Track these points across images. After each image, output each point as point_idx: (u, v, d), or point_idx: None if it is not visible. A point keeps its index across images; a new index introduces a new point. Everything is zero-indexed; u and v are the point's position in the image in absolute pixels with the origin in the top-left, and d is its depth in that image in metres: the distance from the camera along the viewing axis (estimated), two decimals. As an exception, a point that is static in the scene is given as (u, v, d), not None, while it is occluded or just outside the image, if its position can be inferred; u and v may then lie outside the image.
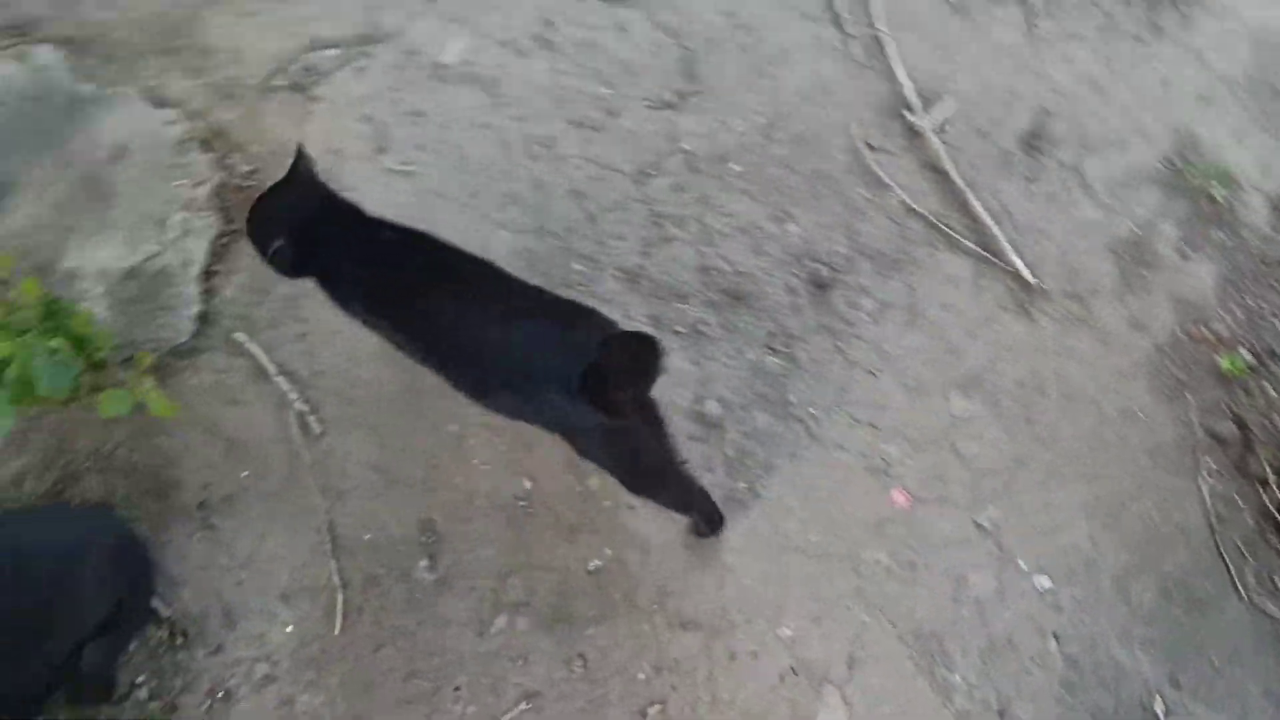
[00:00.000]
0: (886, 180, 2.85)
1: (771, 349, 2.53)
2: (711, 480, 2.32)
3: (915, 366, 2.62)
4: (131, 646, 2.06)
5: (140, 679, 2.06)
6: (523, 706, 2.10)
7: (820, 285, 2.65)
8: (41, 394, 1.97)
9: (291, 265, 1.88)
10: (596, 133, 2.58)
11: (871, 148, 2.86)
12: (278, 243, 1.84)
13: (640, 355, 1.75)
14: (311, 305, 2.39)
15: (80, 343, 2.09)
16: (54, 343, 2.00)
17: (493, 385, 1.86)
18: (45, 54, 2.62)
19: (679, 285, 2.57)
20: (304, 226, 1.87)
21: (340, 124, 2.57)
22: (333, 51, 2.60)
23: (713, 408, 2.42)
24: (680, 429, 2.35)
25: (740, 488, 2.37)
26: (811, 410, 2.48)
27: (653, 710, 2.13)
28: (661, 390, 1.85)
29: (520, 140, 2.55)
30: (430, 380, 1.96)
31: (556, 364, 1.72)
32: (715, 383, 2.46)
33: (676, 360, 2.44)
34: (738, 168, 2.75)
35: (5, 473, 2.20)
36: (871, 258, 2.75)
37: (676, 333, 2.49)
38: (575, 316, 1.83)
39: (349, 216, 1.94)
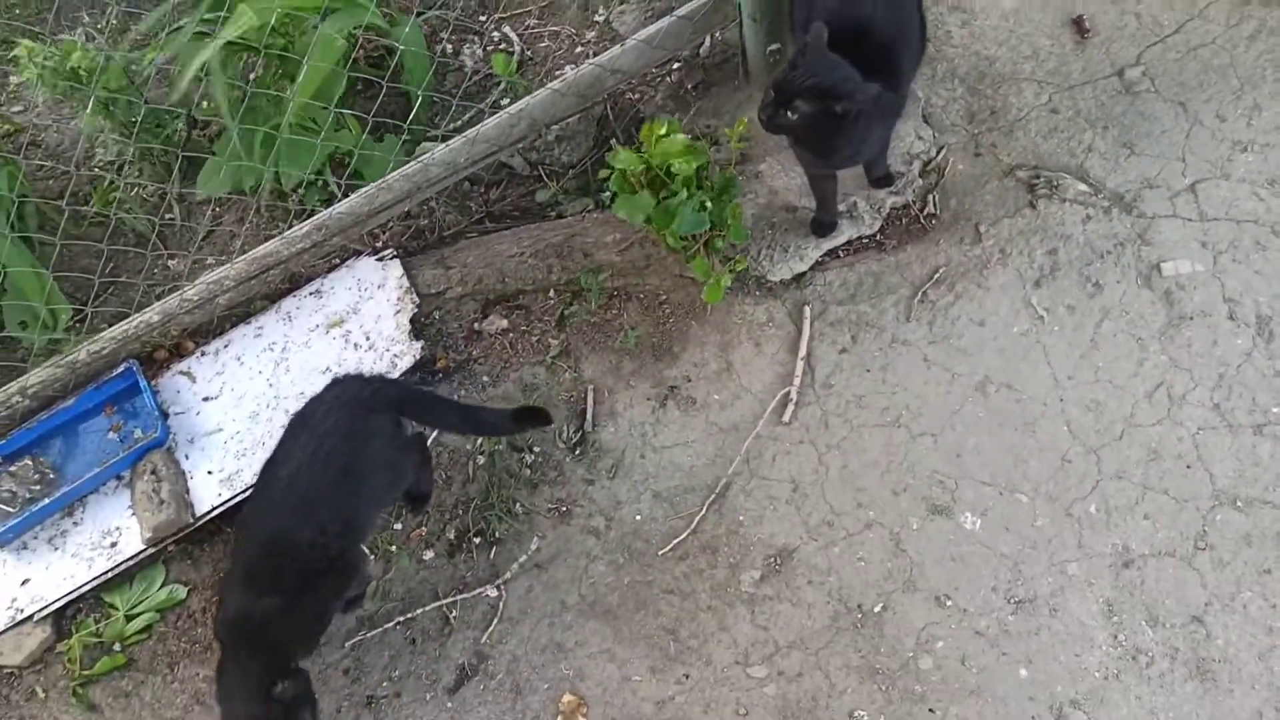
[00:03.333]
0: None
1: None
2: None
3: None
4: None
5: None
6: None
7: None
8: (670, 226, 2.37)
9: None
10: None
11: None
12: None
13: None
14: (899, 368, 2.56)
15: (720, 219, 2.46)
16: (708, 203, 2.39)
17: None
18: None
19: None
20: None
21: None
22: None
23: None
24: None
25: None
26: None
27: None
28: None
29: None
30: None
31: None
32: None
33: None
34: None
35: (597, 257, 2.70)
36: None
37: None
38: None
39: None
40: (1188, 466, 2.33)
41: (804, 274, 2.68)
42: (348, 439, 2.07)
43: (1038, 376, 2.48)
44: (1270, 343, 2.41)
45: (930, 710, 2.18)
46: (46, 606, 2.35)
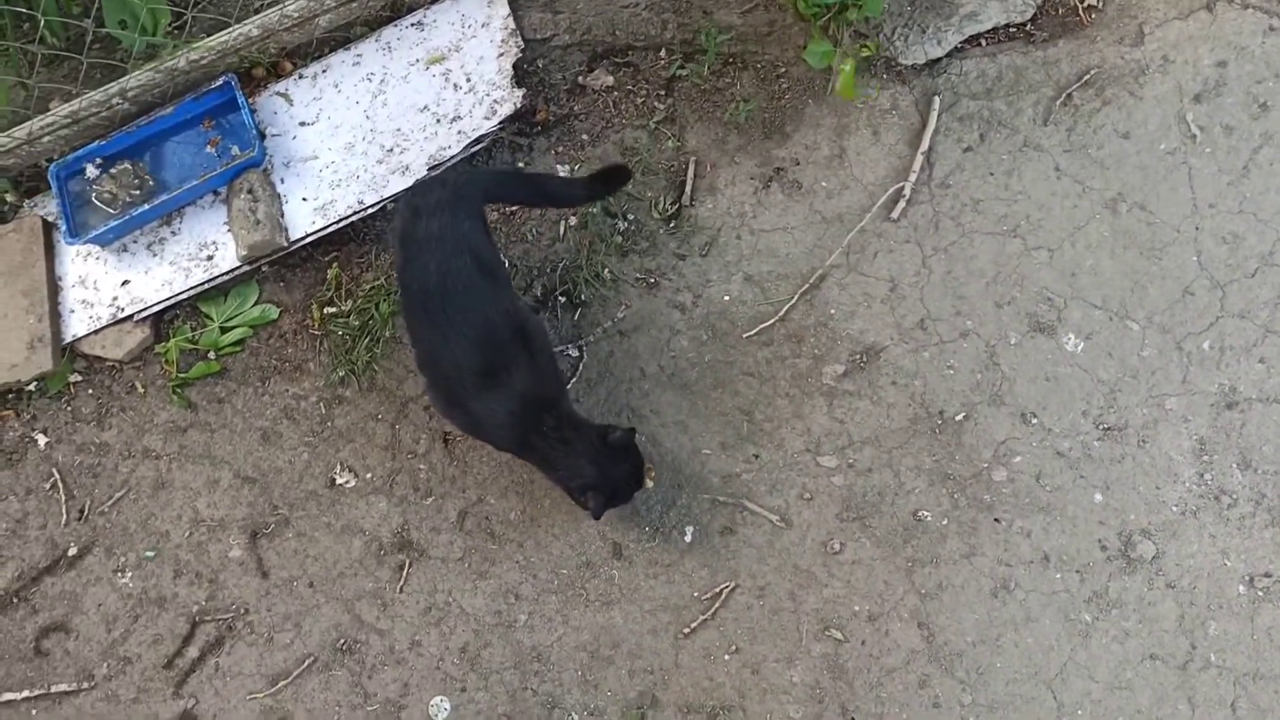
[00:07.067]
0: None
1: None
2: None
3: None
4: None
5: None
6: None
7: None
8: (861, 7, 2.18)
9: None
10: None
11: None
12: None
13: None
14: (1026, 174, 2.38)
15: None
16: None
17: None
18: None
19: None
20: None
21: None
22: None
23: None
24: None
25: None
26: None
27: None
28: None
29: None
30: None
31: None
32: None
33: None
34: None
35: (717, 17, 2.51)
36: None
37: None
38: None
39: None
40: (1321, 315, 2.19)
41: (939, 60, 2.46)
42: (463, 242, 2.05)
43: (1176, 200, 2.29)
44: None
45: (996, 520, 2.19)
46: (146, 308, 2.42)
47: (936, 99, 2.43)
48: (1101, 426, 2.21)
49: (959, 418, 2.25)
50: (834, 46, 2.35)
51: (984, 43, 2.47)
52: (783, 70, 2.52)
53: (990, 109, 2.42)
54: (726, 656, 2.14)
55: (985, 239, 2.35)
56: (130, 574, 2.27)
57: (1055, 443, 2.22)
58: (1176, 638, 2.10)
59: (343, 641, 2.18)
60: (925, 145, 2.41)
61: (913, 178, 2.39)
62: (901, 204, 2.38)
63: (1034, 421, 2.23)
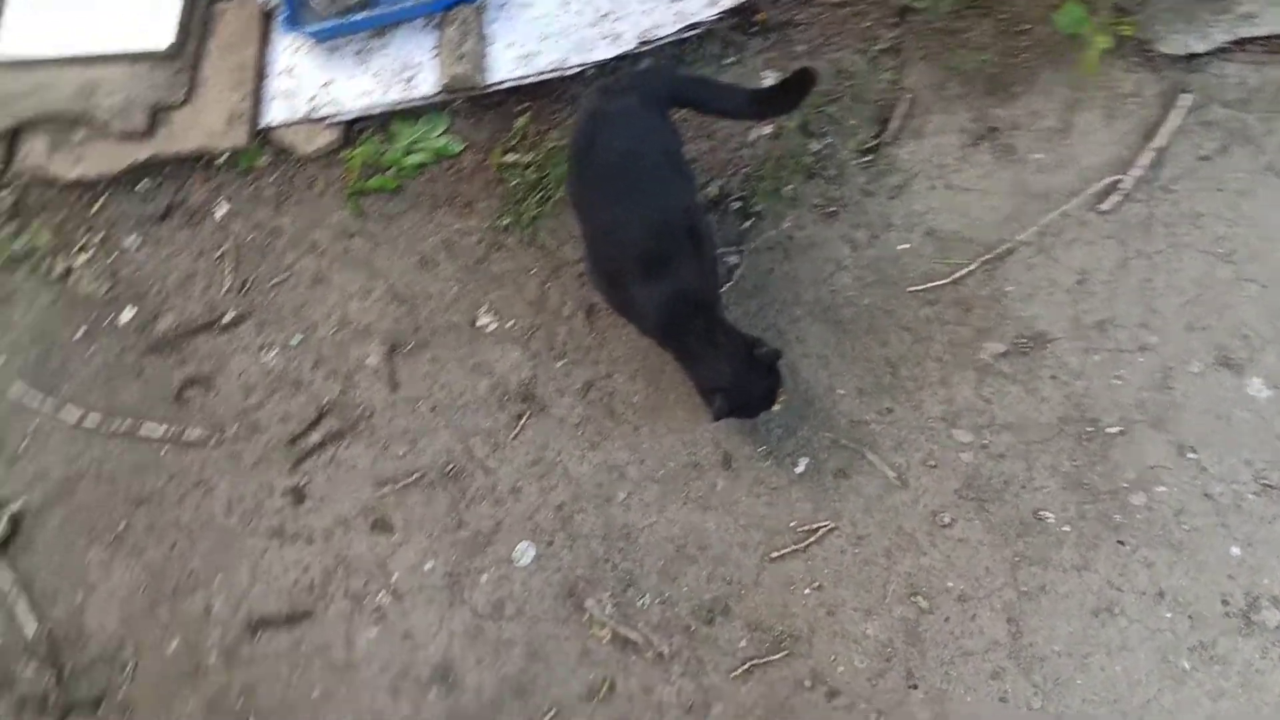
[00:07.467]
0: None
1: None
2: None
3: None
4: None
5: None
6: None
7: None
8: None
9: None
10: None
11: None
12: None
13: None
14: (1260, 199, 2.20)
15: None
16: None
17: None
18: None
19: None
20: None
21: None
22: None
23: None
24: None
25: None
26: None
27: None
28: None
29: None
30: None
31: None
32: None
33: None
34: None
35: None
36: None
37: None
38: None
39: None
40: None
41: (1199, 55, 2.28)
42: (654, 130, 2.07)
43: None
44: None
45: (1120, 542, 2.09)
46: (341, 113, 2.48)
47: (1185, 96, 2.26)
48: (1262, 481, 2.07)
49: (1112, 430, 2.14)
50: (1088, 15, 2.19)
51: (1255, 48, 2.27)
52: (1026, 27, 2.37)
53: (1241, 121, 2.24)
54: (807, 590, 2.12)
55: (1195, 256, 2.19)
56: (275, 352, 2.38)
57: (1207, 484, 2.09)
58: (1276, 714, 1.99)
59: (451, 467, 2.25)
60: (1160, 142, 2.25)
61: (1136, 173, 2.24)
62: (1116, 197, 2.24)
63: (1190, 456, 2.10)
